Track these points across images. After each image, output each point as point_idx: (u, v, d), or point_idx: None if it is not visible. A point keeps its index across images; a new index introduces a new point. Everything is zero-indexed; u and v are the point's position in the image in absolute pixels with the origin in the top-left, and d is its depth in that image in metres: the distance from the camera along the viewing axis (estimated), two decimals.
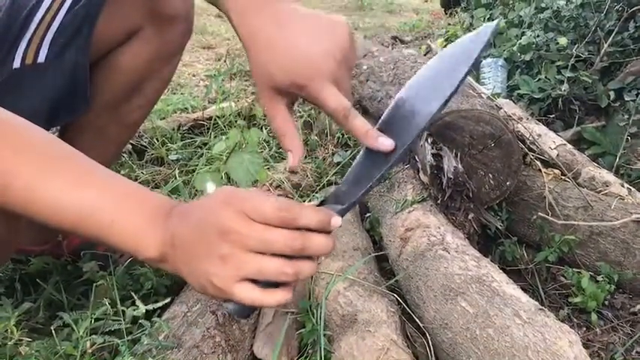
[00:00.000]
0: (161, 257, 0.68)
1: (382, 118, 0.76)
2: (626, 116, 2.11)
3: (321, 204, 0.72)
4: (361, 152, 0.75)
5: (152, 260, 0.69)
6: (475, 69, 2.40)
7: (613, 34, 2.42)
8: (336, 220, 0.67)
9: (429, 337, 1.10)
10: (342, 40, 0.73)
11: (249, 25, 0.74)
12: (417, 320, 1.16)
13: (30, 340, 0.94)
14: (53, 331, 0.95)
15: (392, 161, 0.70)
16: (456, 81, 0.70)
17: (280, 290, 0.65)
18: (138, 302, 0.97)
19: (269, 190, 1.70)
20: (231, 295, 0.64)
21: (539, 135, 1.82)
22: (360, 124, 0.73)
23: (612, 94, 2.29)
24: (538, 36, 2.71)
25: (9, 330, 0.91)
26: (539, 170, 1.58)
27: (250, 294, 0.64)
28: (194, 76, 3.28)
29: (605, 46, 2.40)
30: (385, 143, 0.70)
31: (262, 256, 0.63)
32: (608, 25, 2.49)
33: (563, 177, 1.59)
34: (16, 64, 1.07)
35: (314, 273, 0.66)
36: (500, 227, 1.49)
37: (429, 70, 0.78)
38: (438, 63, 0.78)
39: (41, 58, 1.08)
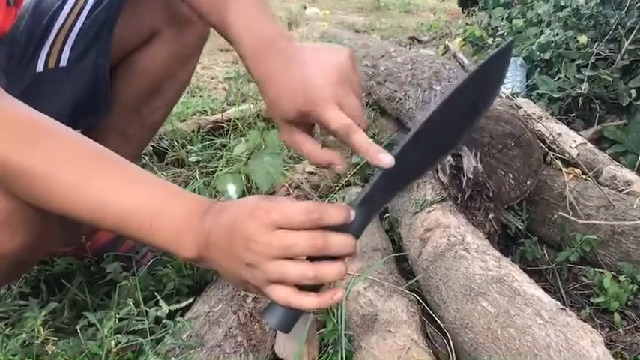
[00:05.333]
0: (198, 257, 0.71)
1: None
2: None
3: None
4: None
5: (189, 260, 0.72)
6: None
7: (634, 32, 2.39)
8: (353, 213, 0.68)
9: (449, 337, 1.10)
10: (343, 64, 0.78)
11: (260, 68, 0.80)
12: (438, 320, 1.16)
13: (56, 339, 0.96)
14: (79, 331, 0.96)
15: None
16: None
17: (313, 295, 0.67)
18: (161, 302, 0.99)
19: (288, 191, 1.70)
20: (267, 295, 0.67)
21: (560, 134, 1.80)
22: (361, 140, 0.75)
23: (633, 93, 2.26)
24: (557, 34, 2.68)
25: (36, 329, 0.93)
26: (560, 169, 1.57)
27: (282, 294, 0.66)
28: (212, 78, 3.30)
29: (626, 43, 2.37)
30: (385, 160, 0.71)
31: (284, 261, 0.65)
32: (629, 23, 2.46)
33: (584, 176, 1.57)
34: (39, 68, 1.09)
35: (343, 274, 0.67)
36: (520, 227, 1.48)
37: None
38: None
39: (63, 62, 1.10)
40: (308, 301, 0.66)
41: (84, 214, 0.72)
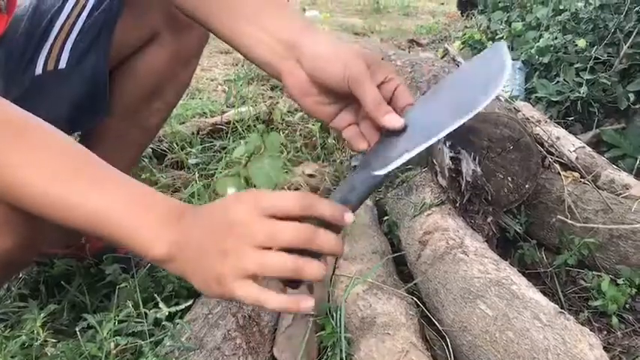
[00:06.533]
0: (168, 257, 0.68)
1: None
2: None
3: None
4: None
5: (158, 260, 0.69)
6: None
7: (633, 36, 2.39)
8: (349, 216, 0.66)
9: (448, 340, 1.10)
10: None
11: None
12: (436, 323, 1.16)
13: (55, 341, 0.96)
14: (78, 333, 0.96)
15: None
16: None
17: (282, 295, 0.63)
18: (160, 304, 0.98)
19: None
20: (231, 292, 0.63)
21: (558, 138, 1.81)
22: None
23: (632, 96, 2.26)
24: (556, 38, 2.69)
25: (35, 331, 0.93)
26: (558, 173, 1.57)
27: (251, 291, 0.62)
28: (212, 80, 3.30)
29: (625, 47, 2.37)
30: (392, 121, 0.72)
31: (265, 250, 0.62)
32: (627, 27, 2.46)
33: (582, 180, 1.57)
34: (38, 70, 1.09)
35: (321, 275, 0.63)
36: (519, 230, 1.48)
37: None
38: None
39: (62, 65, 1.10)
40: (276, 300, 0.62)
41: (57, 215, 0.71)
